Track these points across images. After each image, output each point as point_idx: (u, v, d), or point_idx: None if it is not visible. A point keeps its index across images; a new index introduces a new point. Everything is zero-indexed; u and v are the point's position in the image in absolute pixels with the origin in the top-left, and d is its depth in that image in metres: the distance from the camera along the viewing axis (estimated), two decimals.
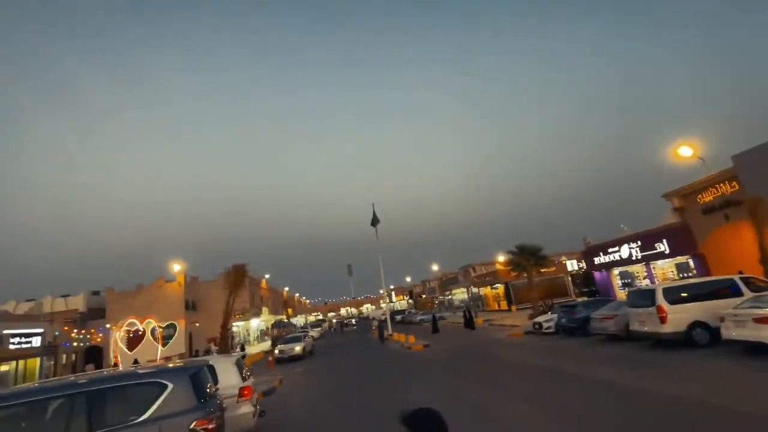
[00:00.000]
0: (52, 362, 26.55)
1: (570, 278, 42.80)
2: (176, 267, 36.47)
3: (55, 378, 5.20)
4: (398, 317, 51.46)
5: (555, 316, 18.67)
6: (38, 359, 16.32)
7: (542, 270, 27.57)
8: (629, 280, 24.84)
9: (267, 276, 55.47)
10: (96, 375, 4.98)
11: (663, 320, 10.93)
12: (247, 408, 7.24)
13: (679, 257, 20.89)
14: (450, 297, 60.25)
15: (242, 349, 31.49)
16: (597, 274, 27.33)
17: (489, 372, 11.52)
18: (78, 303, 38.30)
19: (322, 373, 16.37)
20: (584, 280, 44.35)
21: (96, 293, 40.56)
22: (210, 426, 4.73)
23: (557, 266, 41.12)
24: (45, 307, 36.34)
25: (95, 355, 33.91)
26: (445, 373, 12.51)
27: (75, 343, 28.92)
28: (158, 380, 4.76)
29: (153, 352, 28.48)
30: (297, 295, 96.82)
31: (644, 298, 11.88)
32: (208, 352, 25.71)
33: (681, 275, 21.06)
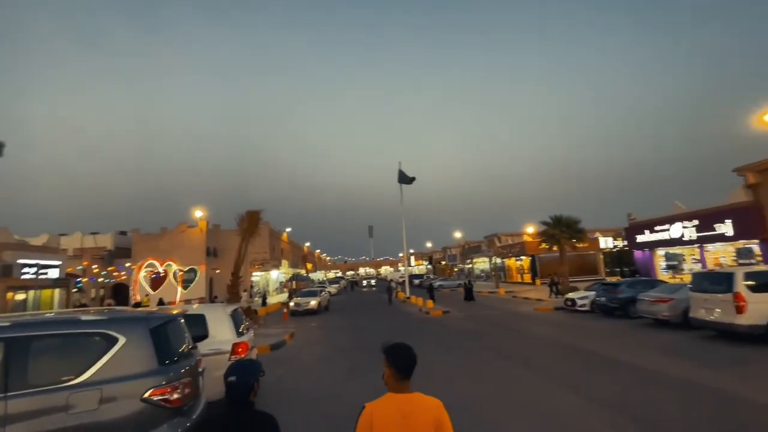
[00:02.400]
0: (77, 291, 27.42)
1: (602, 256, 40.42)
2: (198, 213, 36.46)
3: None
4: (416, 281, 50.95)
5: (590, 293, 17.01)
6: (54, 290, 16.27)
7: (577, 245, 25.46)
8: (676, 263, 22.56)
9: (288, 230, 55.53)
10: (26, 317, 3.85)
11: (740, 310, 9.10)
12: None
13: (742, 241, 18.41)
14: (471, 266, 58.94)
15: (264, 299, 31.50)
16: (638, 254, 25.09)
17: (524, 350, 10.16)
18: (106, 241, 39.37)
19: (335, 330, 15.60)
20: (618, 258, 41.87)
21: (123, 233, 41.56)
22: (171, 396, 3.56)
23: (590, 242, 38.63)
24: (75, 243, 37.50)
25: (122, 292, 35.10)
26: (470, 345, 11.27)
27: (100, 279, 29.65)
28: (106, 331, 3.56)
29: (174, 294, 28.94)
30: (318, 251, 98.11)
31: (716, 282, 10.01)
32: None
33: (739, 262, 18.69)
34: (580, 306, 16.75)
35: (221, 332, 6.33)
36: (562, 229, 24.58)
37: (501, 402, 6.12)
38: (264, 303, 26.91)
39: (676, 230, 21.61)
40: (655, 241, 23.22)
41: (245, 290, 36.99)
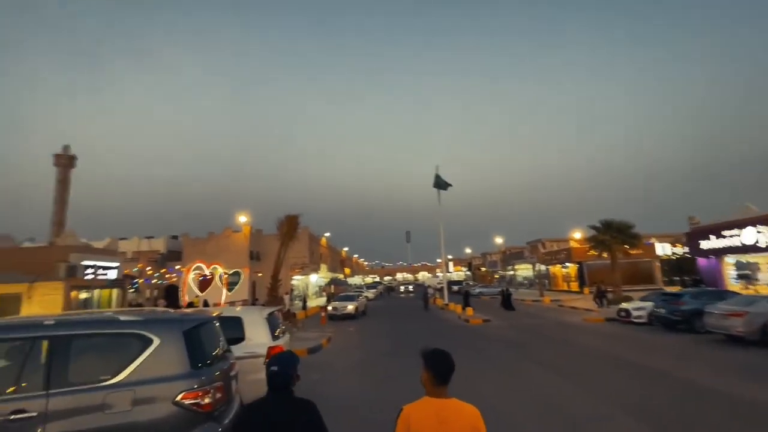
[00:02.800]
0: (133, 291, 29.38)
1: (659, 263, 37.42)
2: (242, 219, 38.00)
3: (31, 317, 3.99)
4: (455, 287, 49.83)
5: (647, 304, 15.63)
6: (114, 290, 17.49)
7: (630, 251, 23.65)
8: (749, 272, 20.28)
9: (327, 234, 56.49)
10: (69, 316, 3.96)
11: None
12: None
13: None
14: (512, 272, 56.81)
15: (304, 302, 32.05)
16: (702, 261, 22.86)
17: (573, 364, 9.42)
18: (160, 245, 42.03)
19: (372, 336, 15.43)
20: (678, 266, 38.51)
21: (175, 237, 44.17)
22: (203, 401, 3.50)
23: (644, 249, 35.88)
24: (133, 246, 40.31)
25: (173, 293, 37.21)
26: (512, 356, 10.65)
27: (154, 281, 31.57)
28: (142, 332, 3.58)
29: (219, 296, 30.21)
30: (355, 256, 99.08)
31: None
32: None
33: None
34: (636, 317, 15.42)
35: (257, 335, 6.33)
36: (613, 235, 22.95)
37: (548, 424, 5.61)
38: (304, 307, 27.39)
39: (749, 235, 19.43)
40: (723, 247, 21.04)
41: (287, 293, 38.01)
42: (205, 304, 24.07)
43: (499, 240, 57.74)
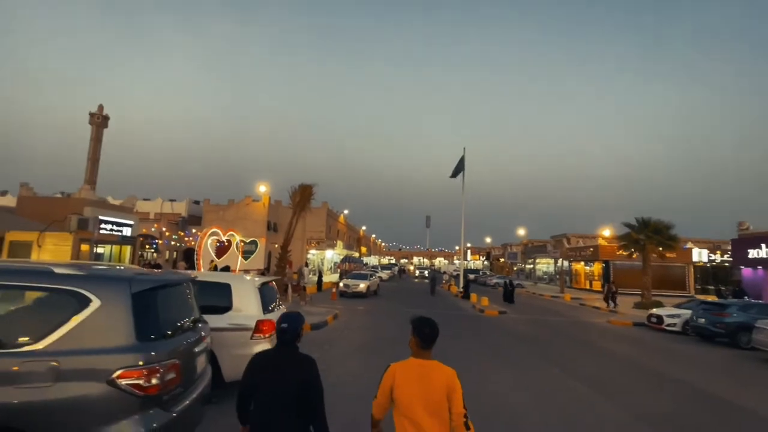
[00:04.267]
0: (154, 252, 29.83)
1: (692, 269, 35.10)
2: (262, 188, 37.83)
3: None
4: (471, 276, 48.90)
5: (684, 311, 14.27)
6: (129, 247, 17.49)
7: (666, 254, 21.92)
8: None
9: (346, 212, 56.06)
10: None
11: None
12: (263, 348, 5.46)
13: None
14: (533, 266, 55.08)
15: (319, 277, 31.66)
16: (747, 271, 20.96)
17: (600, 371, 8.43)
18: (181, 208, 42.61)
19: (381, 317, 14.79)
20: (712, 274, 36.04)
21: (197, 202, 44.64)
22: (148, 382, 2.78)
23: (680, 253, 33.63)
24: (156, 208, 41.03)
25: (192, 256, 37.82)
26: (529, 355, 9.73)
27: (173, 243, 31.98)
28: (78, 290, 2.86)
29: (234, 264, 30.33)
30: (373, 236, 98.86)
31: None
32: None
33: None
34: (669, 325, 14.10)
35: (247, 306, 5.64)
36: (649, 234, 21.24)
37: None
38: (320, 281, 27.13)
39: None
40: None
41: (306, 265, 37.86)
42: (226, 269, 23.94)
43: (521, 232, 55.85)
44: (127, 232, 19.47)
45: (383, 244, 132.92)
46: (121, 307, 2.89)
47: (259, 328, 5.49)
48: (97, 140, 45.34)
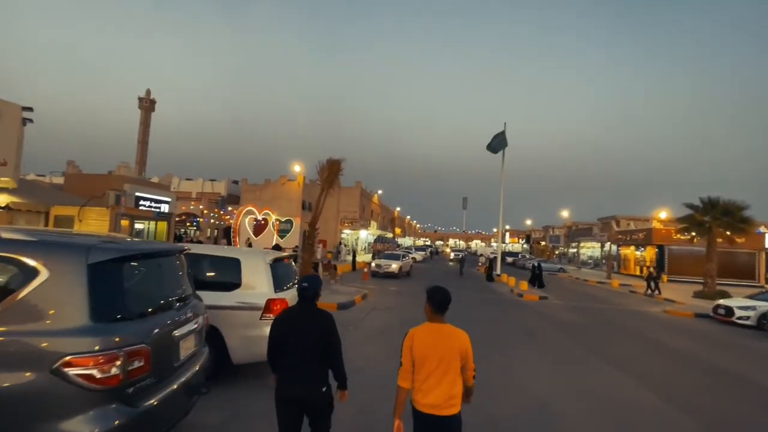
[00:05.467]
0: (196, 229, 30.87)
1: (764, 256, 31.52)
2: (297, 168, 37.94)
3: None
4: (509, 259, 47.12)
5: (759, 303, 12.51)
6: (164, 223, 17.97)
7: (737, 238, 19.49)
8: None
9: (380, 192, 55.52)
10: None
11: None
12: None
13: None
14: (576, 250, 52.16)
15: (353, 255, 31.56)
16: None
17: (662, 371, 7.36)
18: (221, 188, 43.93)
19: (410, 298, 14.18)
20: None
21: (235, 182, 45.81)
22: (103, 372, 2.28)
23: (750, 238, 30.16)
24: (197, 187, 42.52)
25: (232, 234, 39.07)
26: (574, 346, 8.75)
27: (212, 221, 33.02)
28: (23, 258, 2.38)
29: (270, 242, 30.85)
30: (408, 218, 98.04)
31: None
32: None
33: None
34: (740, 318, 12.40)
35: (257, 283, 5.15)
36: (717, 216, 18.90)
37: None
38: (354, 260, 27.02)
39: None
40: None
41: (341, 243, 37.92)
42: (277, 248, 24.28)
43: (564, 213, 52.82)
44: (164, 208, 20.02)
45: (418, 225, 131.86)
46: (75, 280, 2.38)
47: (269, 307, 4.98)
48: (145, 124, 47.27)
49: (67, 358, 2.22)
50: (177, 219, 27.15)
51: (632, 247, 38.14)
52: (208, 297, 4.68)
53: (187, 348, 3.14)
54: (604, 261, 39.61)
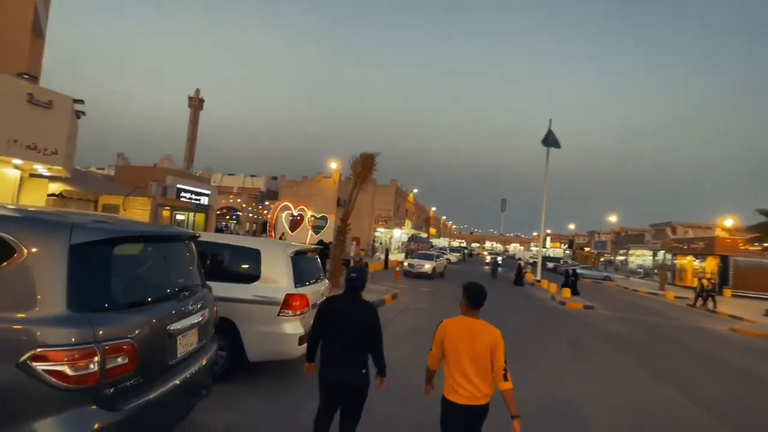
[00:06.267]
0: (236, 223, 31.82)
1: None
2: (333, 165, 38.19)
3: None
4: (550, 264, 44.88)
5: None
6: (203, 214, 18.52)
7: None
8: None
9: (415, 191, 54.84)
10: None
11: None
12: (292, 327, 4.62)
13: None
14: (624, 257, 48.75)
15: (386, 254, 31.26)
16: None
17: (737, 400, 6.35)
18: (260, 183, 45.21)
19: (442, 300, 13.57)
20: None
21: (274, 178, 47.01)
22: (75, 369, 1.97)
23: None
24: (238, 182, 44.00)
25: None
26: (630, 365, 7.81)
27: (251, 215, 33.96)
28: (1, 234, 2.12)
29: (305, 238, 31.21)
30: (443, 218, 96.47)
31: None
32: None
33: None
34: None
35: (277, 277, 4.83)
36: None
37: None
38: (386, 259, 26.73)
39: None
40: None
41: (376, 241, 37.72)
42: (321, 243, 24.33)
43: (612, 218, 49.50)
44: (204, 201, 20.65)
45: (454, 226, 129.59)
46: (54, 261, 2.09)
47: (288, 303, 4.64)
48: (194, 122, 49.46)
49: (37, 350, 1.93)
50: (218, 212, 28.14)
51: (690, 257, 34.96)
52: (226, 289, 4.45)
53: (186, 344, 2.81)
54: (656, 270, 36.64)
